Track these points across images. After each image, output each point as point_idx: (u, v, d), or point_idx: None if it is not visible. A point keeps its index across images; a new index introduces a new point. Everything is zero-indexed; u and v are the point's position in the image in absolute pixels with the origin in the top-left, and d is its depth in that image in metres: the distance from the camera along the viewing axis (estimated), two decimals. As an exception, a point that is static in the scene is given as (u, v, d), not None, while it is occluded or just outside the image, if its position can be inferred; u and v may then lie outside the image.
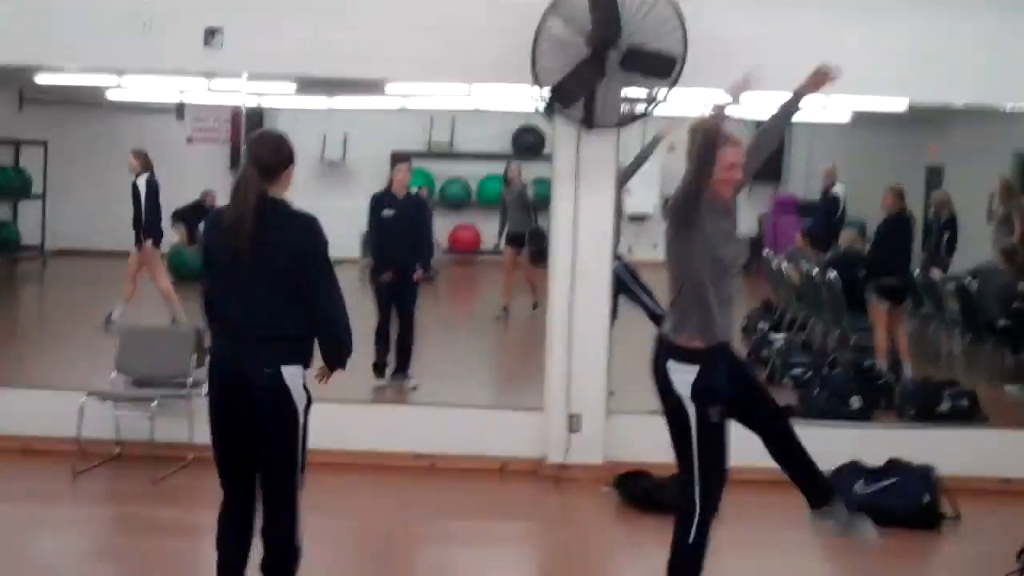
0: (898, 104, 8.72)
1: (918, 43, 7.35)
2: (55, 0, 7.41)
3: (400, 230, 9.00)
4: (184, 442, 7.06)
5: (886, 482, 6.60)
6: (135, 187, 11.37)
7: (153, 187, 11.46)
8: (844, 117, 12.18)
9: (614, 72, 6.78)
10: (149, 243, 11.41)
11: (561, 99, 6.87)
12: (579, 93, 6.85)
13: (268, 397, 4.40)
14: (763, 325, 11.66)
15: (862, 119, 12.78)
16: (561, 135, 7.25)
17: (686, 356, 4.60)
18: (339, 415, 7.71)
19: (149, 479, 6.92)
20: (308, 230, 4.47)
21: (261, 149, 4.49)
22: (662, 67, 6.74)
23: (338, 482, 7.06)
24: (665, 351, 4.65)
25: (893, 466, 6.73)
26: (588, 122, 6.95)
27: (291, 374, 4.41)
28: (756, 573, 6.19)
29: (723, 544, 5.08)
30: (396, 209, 9.11)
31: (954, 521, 6.64)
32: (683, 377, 4.61)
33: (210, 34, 7.30)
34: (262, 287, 4.39)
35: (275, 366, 4.39)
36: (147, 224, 11.41)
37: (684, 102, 6.90)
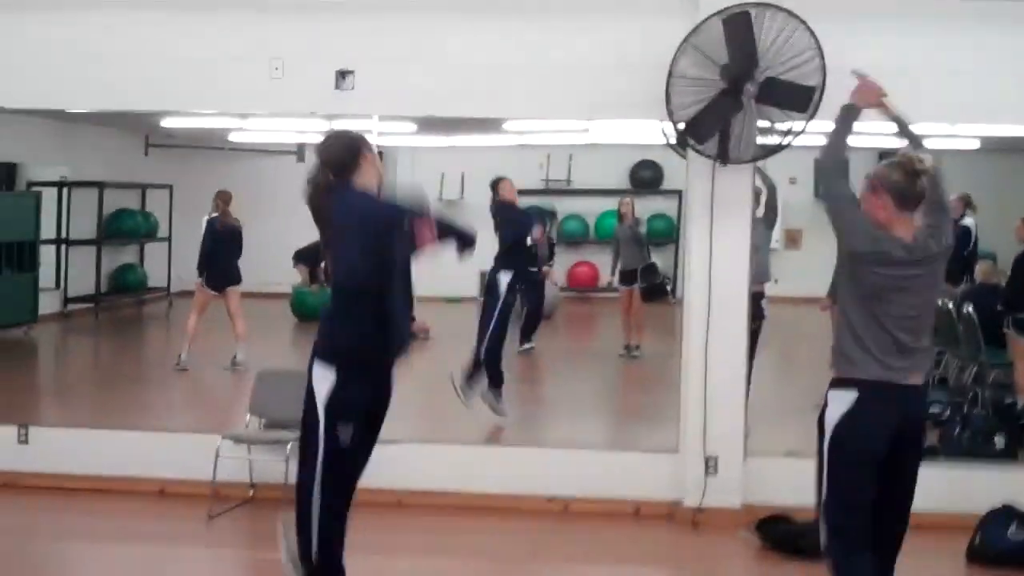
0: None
1: None
2: (183, 46, 7.50)
3: None
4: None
5: (1042, 527, 6.32)
6: None
7: (211, 226, 11.83)
8: (973, 144, 11.83)
9: (750, 105, 6.63)
10: (200, 280, 11.66)
11: (696, 134, 6.74)
12: (715, 128, 6.71)
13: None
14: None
15: (991, 145, 12.41)
16: (695, 170, 7.11)
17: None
18: (470, 457, 7.70)
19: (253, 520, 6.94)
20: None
21: (327, 152, 4.53)
22: (800, 99, 6.57)
23: (469, 525, 7.01)
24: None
25: (1049, 511, 6.44)
26: (723, 157, 6.80)
27: (320, 375, 4.42)
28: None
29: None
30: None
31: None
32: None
33: (341, 76, 7.34)
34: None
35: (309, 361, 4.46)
36: (198, 262, 11.77)
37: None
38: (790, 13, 6.61)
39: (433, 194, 18.58)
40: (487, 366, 9.28)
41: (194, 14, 7.49)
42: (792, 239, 19.49)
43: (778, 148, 6.80)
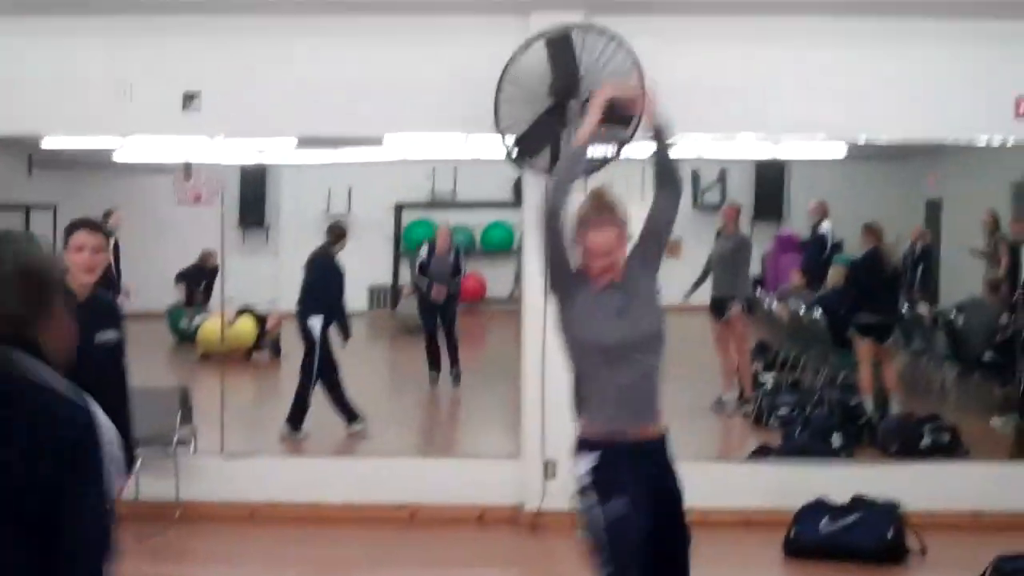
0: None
1: (905, 80, 7.48)
2: (36, 69, 7.60)
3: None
4: (171, 500, 7.19)
5: (851, 519, 6.66)
6: None
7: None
8: (839, 152, 12.19)
9: (576, 122, 6.91)
10: None
11: (526, 149, 7.01)
12: (543, 142, 6.99)
13: None
14: (756, 366, 11.75)
15: (858, 153, 12.79)
16: (529, 183, 7.39)
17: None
18: (317, 468, 7.88)
19: (134, 537, 7.03)
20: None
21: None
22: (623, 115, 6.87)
23: (317, 535, 7.18)
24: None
25: (858, 503, 6.79)
26: (553, 171, 7.07)
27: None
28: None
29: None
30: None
31: (920, 555, 6.69)
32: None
33: (188, 98, 7.48)
34: None
35: None
36: None
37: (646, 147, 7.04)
38: (609, 34, 6.91)
39: (320, 209, 18.68)
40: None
41: (45, 38, 7.57)
42: (672, 249, 19.83)
43: (604, 162, 7.09)
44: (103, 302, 4.74)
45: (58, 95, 7.60)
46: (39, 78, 7.57)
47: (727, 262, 10.87)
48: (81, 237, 4.53)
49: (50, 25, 7.53)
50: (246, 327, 12.97)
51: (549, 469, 7.36)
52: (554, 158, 7.02)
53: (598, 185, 4.38)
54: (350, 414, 9.29)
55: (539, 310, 7.36)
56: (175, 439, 7.32)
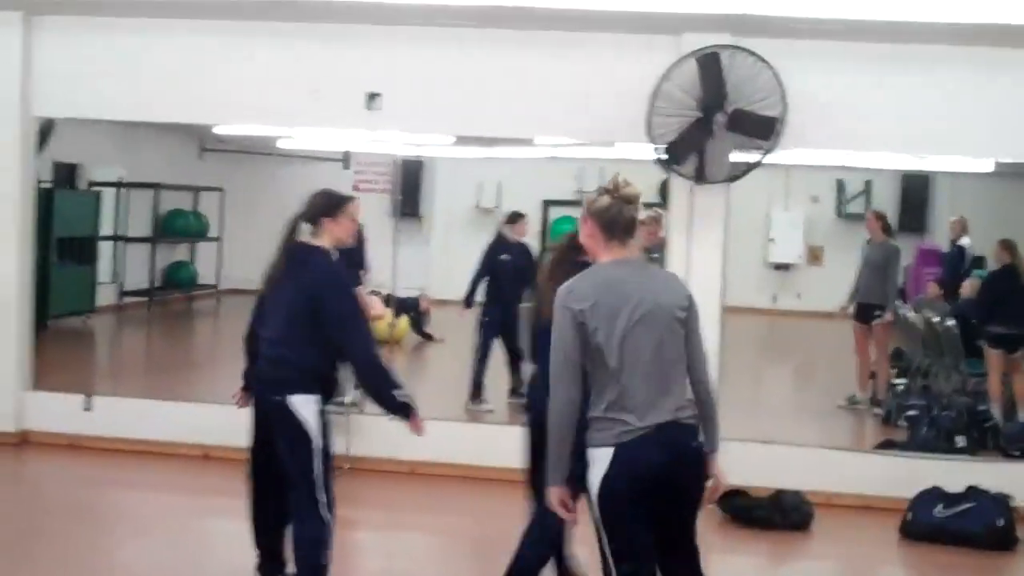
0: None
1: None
2: (233, 66, 8.52)
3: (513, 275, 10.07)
4: (342, 454, 8.01)
5: (964, 506, 7.15)
6: None
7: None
8: (987, 167, 12.31)
9: (721, 133, 7.58)
10: None
11: (674, 157, 7.69)
12: (690, 151, 7.66)
13: (279, 422, 4.91)
14: (891, 371, 12.15)
15: (1006, 169, 12.93)
16: (675, 189, 8.06)
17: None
18: (474, 433, 8.61)
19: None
20: (324, 269, 4.99)
21: (307, 200, 5.17)
22: (764, 129, 7.52)
23: (473, 490, 7.91)
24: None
25: (971, 492, 7.28)
26: (699, 177, 7.75)
27: (302, 402, 4.89)
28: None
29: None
30: (511, 255, 10.38)
31: (1029, 545, 7.16)
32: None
33: (371, 98, 8.32)
34: (280, 320, 4.98)
35: (283, 394, 4.88)
36: None
37: (788, 158, 7.68)
38: (755, 55, 7.56)
39: (471, 202, 19.51)
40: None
41: (245, 37, 8.48)
42: (815, 256, 20.22)
43: (747, 170, 7.73)
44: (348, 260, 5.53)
45: (247, 90, 8.52)
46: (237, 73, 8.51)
47: (877, 269, 11.13)
48: (355, 206, 5.23)
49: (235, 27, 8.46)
50: (403, 326, 13.84)
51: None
52: (700, 165, 7.69)
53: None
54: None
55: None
56: (347, 399, 8.15)
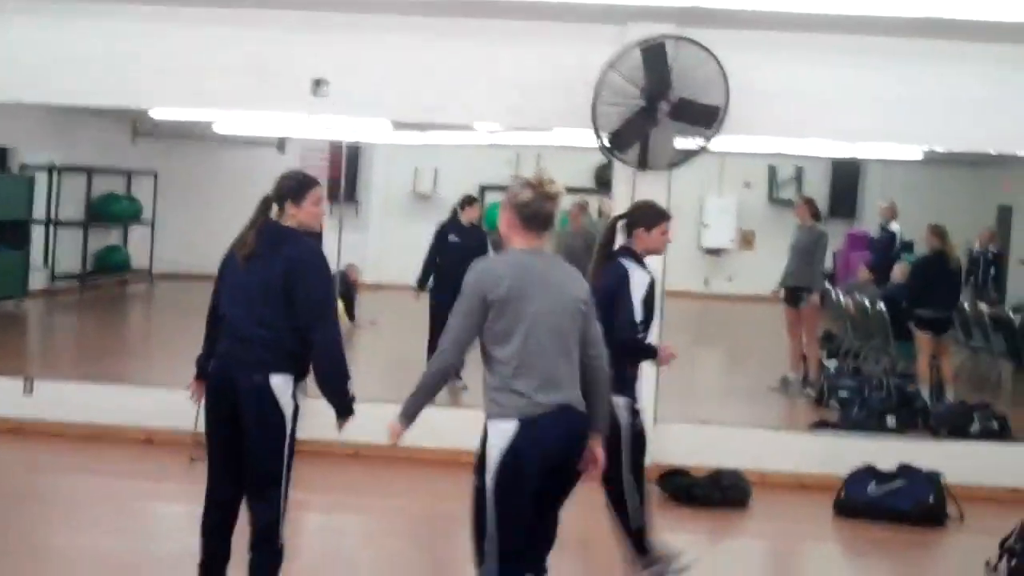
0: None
1: (977, 94, 8.07)
2: (170, 44, 8.49)
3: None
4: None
5: (895, 484, 7.40)
6: None
7: None
8: (916, 155, 12.56)
9: (665, 121, 7.73)
10: None
11: (618, 144, 7.83)
12: (634, 139, 7.80)
13: (255, 403, 4.81)
14: (822, 353, 12.44)
15: (934, 157, 13.18)
16: (619, 174, 8.20)
17: None
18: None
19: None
20: (301, 249, 4.92)
21: (279, 180, 5.05)
22: (707, 117, 7.69)
23: (417, 474, 8.01)
24: None
25: (903, 470, 7.52)
26: (642, 164, 7.89)
27: (280, 383, 4.83)
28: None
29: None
30: (461, 237, 10.49)
31: (959, 521, 7.40)
32: None
33: (316, 84, 8.35)
34: (255, 300, 4.88)
35: (264, 374, 4.79)
36: None
37: (724, 145, 7.87)
38: (699, 45, 7.72)
39: (408, 188, 19.54)
40: None
41: (185, 24, 8.44)
42: (746, 240, 20.52)
43: (689, 157, 7.89)
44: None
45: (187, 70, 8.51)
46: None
47: (805, 254, 11.38)
48: (318, 192, 5.12)
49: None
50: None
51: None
52: (643, 152, 7.83)
53: None
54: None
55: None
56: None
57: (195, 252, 16.44)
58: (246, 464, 4.92)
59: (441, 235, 10.71)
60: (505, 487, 4.29)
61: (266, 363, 4.83)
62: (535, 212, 4.40)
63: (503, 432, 4.28)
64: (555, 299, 4.36)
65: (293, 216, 5.00)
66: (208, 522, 5.09)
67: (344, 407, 4.97)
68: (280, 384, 4.84)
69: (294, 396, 4.92)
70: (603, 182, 18.65)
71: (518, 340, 4.29)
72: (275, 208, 5.02)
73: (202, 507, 5.07)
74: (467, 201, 11.02)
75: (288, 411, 4.88)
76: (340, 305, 13.88)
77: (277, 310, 4.86)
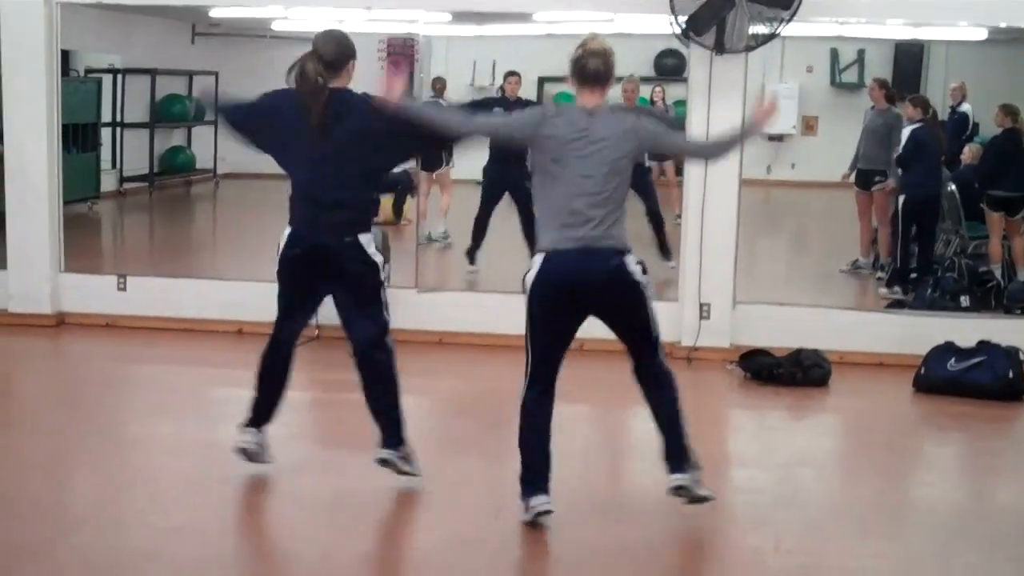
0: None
1: None
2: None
3: None
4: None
5: (975, 359, 7.50)
6: None
7: None
8: (980, 35, 12.36)
9: (741, 4, 7.71)
10: None
11: (695, 27, 7.83)
12: (711, 22, 7.79)
13: (351, 261, 5.24)
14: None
15: (999, 36, 12.98)
16: (695, 59, 8.21)
17: None
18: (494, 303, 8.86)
19: (345, 352, 8.09)
20: (370, 109, 5.16)
21: (325, 45, 5.19)
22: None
23: (496, 358, 8.19)
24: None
25: (983, 346, 7.61)
26: (719, 48, 7.90)
27: (367, 240, 5.29)
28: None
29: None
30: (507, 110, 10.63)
31: (1038, 394, 7.50)
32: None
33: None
34: (337, 165, 5.15)
35: (353, 235, 5.22)
36: None
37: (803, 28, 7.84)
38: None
39: (465, 81, 19.50)
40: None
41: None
42: (809, 126, 20.34)
43: (767, 39, 7.87)
44: None
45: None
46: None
47: (878, 137, 11.30)
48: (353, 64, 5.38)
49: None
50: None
51: (704, 311, 8.34)
52: (719, 36, 7.83)
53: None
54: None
55: (700, 175, 8.26)
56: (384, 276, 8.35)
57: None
58: (350, 311, 5.41)
59: (484, 107, 10.84)
60: (529, 314, 4.96)
61: (355, 223, 5.26)
62: (583, 67, 4.93)
63: (534, 264, 4.93)
64: (599, 148, 4.88)
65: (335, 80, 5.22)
66: (267, 359, 5.64)
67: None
68: (366, 241, 5.30)
69: (378, 249, 5.41)
70: (662, 70, 18.60)
71: (563, 181, 4.88)
72: (317, 65, 5.16)
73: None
74: (508, 75, 11.66)
75: (379, 260, 5.37)
76: (387, 202, 13.98)
77: (360, 172, 5.25)
